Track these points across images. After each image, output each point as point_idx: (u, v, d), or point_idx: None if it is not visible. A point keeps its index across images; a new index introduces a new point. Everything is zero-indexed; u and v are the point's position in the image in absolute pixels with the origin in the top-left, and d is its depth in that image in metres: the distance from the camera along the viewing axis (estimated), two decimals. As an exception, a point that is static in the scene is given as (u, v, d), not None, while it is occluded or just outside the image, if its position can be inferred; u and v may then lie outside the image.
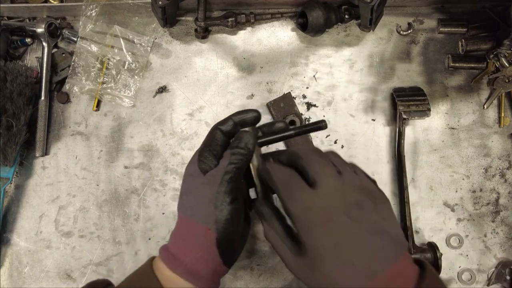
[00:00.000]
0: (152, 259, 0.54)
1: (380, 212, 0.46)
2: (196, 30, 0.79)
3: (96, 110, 0.79)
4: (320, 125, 0.55)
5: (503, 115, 0.77)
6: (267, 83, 0.79)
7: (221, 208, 0.50)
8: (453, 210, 0.76)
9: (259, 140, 0.55)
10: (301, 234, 0.46)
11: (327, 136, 0.78)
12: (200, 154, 0.54)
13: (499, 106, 0.78)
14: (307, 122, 0.78)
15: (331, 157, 0.52)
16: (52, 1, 0.79)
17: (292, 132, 0.56)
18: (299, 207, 0.46)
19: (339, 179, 0.47)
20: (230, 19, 0.77)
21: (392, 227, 0.46)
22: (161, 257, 0.52)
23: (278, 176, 0.49)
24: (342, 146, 0.78)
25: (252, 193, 0.58)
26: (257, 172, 0.55)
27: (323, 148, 0.78)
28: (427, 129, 0.78)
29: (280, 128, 0.57)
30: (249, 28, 0.81)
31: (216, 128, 0.56)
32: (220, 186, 0.51)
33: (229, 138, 0.56)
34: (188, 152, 0.78)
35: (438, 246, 0.72)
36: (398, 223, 0.48)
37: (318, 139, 0.78)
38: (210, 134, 0.56)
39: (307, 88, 0.79)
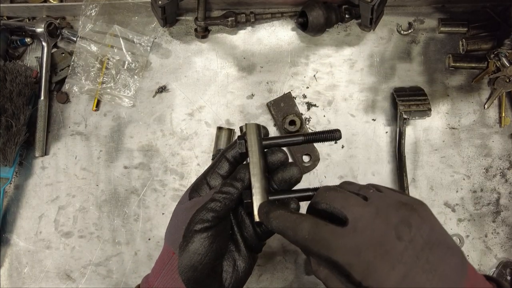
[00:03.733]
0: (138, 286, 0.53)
1: (426, 222, 0.41)
2: (196, 29, 0.79)
3: (95, 110, 0.79)
4: (334, 135, 0.49)
5: (503, 115, 0.77)
6: (267, 82, 0.79)
7: (190, 234, 0.46)
8: (453, 210, 0.76)
9: (264, 142, 0.49)
10: (363, 279, 0.39)
11: (327, 136, 0.78)
12: (195, 183, 0.52)
13: (500, 106, 0.78)
14: (312, 130, 0.78)
15: (347, 187, 0.46)
16: (52, 1, 0.79)
17: (301, 138, 0.50)
18: (344, 252, 0.39)
19: (368, 206, 0.41)
20: (230, 19, 0.76)
21: (442, 234, 0.41)
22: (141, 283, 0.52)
23: (301, 230, 0.42)
24: (343, 146, 0.78)
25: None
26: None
27: (323, 149, 0.78)
28: (428, 129, 0.78)
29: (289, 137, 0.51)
30: (249, 28, 0.80)
31: (222, 154, 0.51)
32: (198, 211, 0.47)
33: (235, 166, 0.51)
34: (188, 152, 0.78)
35: (439, 246, 0.71)
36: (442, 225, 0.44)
37: (318, 139, 0.78)
38: (215, 161, 0.52)
39: (308, 88, 0.79)
